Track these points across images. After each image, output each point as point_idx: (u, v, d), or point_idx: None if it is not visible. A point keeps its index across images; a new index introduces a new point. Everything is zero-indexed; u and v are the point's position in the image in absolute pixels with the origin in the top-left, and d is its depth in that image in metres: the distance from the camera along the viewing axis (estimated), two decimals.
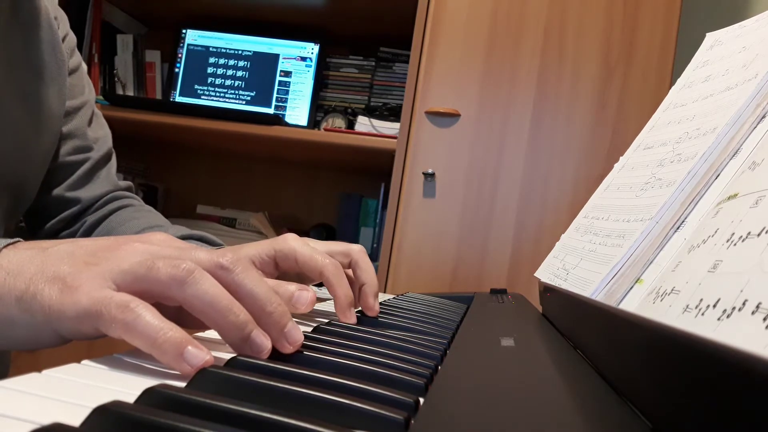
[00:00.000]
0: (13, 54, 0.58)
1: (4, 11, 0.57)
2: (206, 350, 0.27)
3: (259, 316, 0.32)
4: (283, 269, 0.51)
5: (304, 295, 0.40)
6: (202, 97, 1.70)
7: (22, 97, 0.58)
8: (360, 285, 0.52)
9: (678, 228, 0.39)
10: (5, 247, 0.32)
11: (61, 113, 0.64)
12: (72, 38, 0.69)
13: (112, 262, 0.31)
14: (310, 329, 0.40)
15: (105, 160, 0.73)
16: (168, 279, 0.30)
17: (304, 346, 0.33)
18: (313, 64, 1.67)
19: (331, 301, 0.54)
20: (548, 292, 0.58)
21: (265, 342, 0.31)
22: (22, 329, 0.30)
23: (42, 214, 0.69)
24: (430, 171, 1.28)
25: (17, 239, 0.34)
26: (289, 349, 0.32)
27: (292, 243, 0.50)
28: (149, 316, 0.28)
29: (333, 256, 0.51)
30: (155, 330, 0.27)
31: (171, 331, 0.27)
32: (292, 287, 0.40)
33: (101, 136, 0.72)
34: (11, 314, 0.30)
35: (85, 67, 0.71)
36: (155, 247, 0.33)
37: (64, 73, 0.65)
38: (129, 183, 0.76)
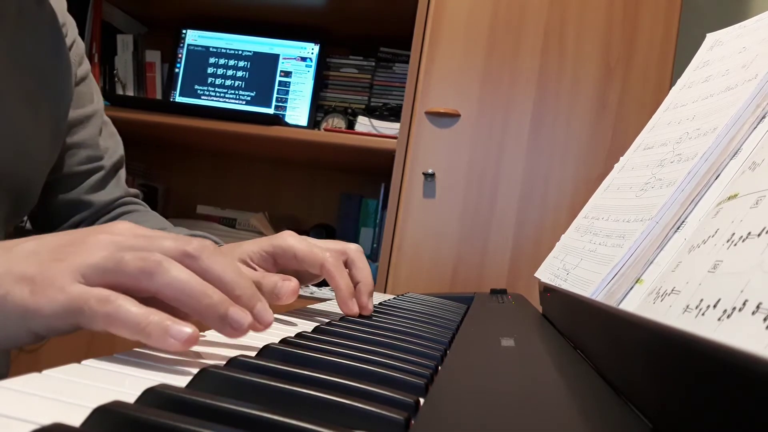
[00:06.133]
0: (19, 57, 0.58)
1: (11, 15, 0.57)
2: (189, 324, 0.29)
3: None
4: (282, 265, 0.52)
5: (287, 284, 0.40)
6: (203, 97, 1.70)
7: (27, 100, 0.58)
8: (355, 284, 0.52)
9: (678, 228, 0.39)
10: None
11: (65, 118, 0.65)
12: (80, 45, 0.69)
13: (79, 257, 0.31)
14: (310, 329, 0.40)
15: (115, 168, 0.74)
16: (137, 271, 0.30)
17: (304, 346, 0.33)
18: (313, 64, 1.67)
19: (331, 302, 0.54)
20: (548, 292, 0.58)
21: (243, 316, 0.32)
22: None
23: (54, 218, 0.70)
24: (430, 171, 1.28)
25: None
26: (260, 328, 0.33)
27: (290, 239, 0.51)
28: (129, 305, 0.29)
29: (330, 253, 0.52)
30: (138, 317, 0.29)
31: (153, 315, 0.29)
32: (275, 278, 0.41)
33: (111, 146, 0.74)
34: None
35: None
36: (120, 237, 0.32)
37: (70, 79, 0.65)
38: (137, 191, 0.78)
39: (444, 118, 1.29)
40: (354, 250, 0.54)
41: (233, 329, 0.31)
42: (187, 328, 0.28)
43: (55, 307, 0.29)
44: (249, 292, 0.33)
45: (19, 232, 0.64)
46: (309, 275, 0.55)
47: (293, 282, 0.41)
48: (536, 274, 0.68)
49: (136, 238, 0.33)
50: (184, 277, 0.31)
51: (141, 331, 0.28)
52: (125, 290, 0.31)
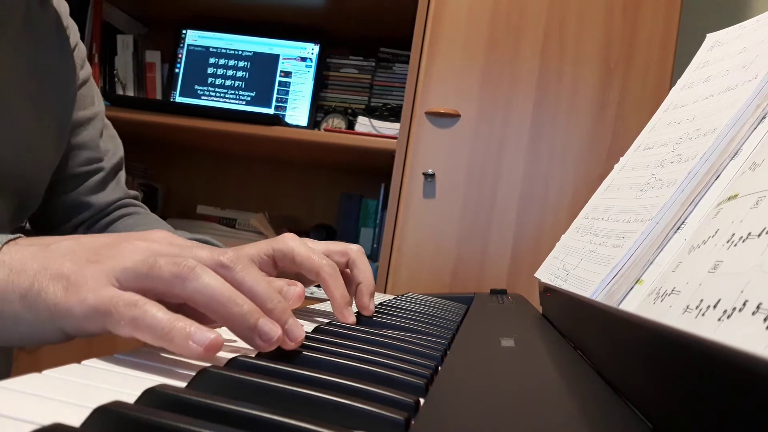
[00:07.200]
0: (24, 60, 0.58)
1: (17, 18, 0.57)
2: (213, 330, 0.28)
3: None
4: (282, 268, 0.52)
5: (292, 290, 0.40)
6: (202, 97, 1.70)
7: (31, 103, 0.58)
8: (356, 284, 0.52)
9: (678, 228, 0.39)
10: (6, 243, 0.32)
11: (68, 120, 0.65)
12: (82, 49, 0.70)
13: (114, 260, 0.31)
14: (310, 329, 0.40)
15: (115, 170, 0.75)
16: (170, 276, 0.30)
17: (304, 346, 0.33)
18: (313, 64, 1.67)
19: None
20: (548, 292, 0.58)
21: (273, 329, 0.31)
22: (26, 326, 0.31)
23: (54, 219, 0.71)
24: (430, 171, 1.28)
25: (18, 235, 0.34)
26: (290, 345, 0.32)
27: (290, 243, 0.50)
28: (156, 310, 0.29)
29: (331, 255, 0.51)
30: (163, 322, 0.28)
31: (177, 321, 0.28)
32: (280, 282, 0.41)
33: (111, 148, 0.74)
34: (15, 311, 0.30)
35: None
36: (156, 244, 0.33)
37: (74, 82, 0.65)
38: (137, 192, 0.79)
39: (444, 118, 1.29)
40: (355, 250, 0.54)
41: (262, 341, 0.31)
42: (210, 334, 0.28)
43: (85, 308, 0.29)
44: (281, 307, 0.33)
45: (20, 233, 0.64)
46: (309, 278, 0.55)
47: (299, 287, 0.41)
48: (536, 275, 0.68)
49: (171, 246, 0.33)
50: (215, 284, 0.31)
51: (164, 336, 0.28)
52: (157, 296, 0.31)
